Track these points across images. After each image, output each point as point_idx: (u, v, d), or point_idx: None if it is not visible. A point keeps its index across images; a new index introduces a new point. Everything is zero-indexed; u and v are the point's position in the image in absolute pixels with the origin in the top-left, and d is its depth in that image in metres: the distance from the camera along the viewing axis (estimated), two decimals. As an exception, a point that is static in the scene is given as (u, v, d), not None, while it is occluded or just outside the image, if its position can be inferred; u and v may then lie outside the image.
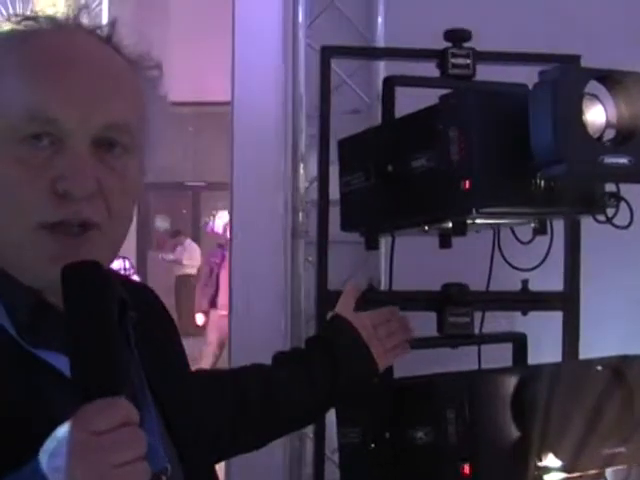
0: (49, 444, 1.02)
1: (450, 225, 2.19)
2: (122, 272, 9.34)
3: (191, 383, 1.52)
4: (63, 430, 1.02)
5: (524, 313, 2.44)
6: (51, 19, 1.29)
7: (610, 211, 2.09)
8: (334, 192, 2.44)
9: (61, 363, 1.17)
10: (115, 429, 1.01)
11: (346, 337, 1.92)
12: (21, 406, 1.14)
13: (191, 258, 14.92)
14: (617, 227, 2.07)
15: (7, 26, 1.28)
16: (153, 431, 1.25)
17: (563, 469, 2.01)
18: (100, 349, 1.06)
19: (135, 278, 9.50)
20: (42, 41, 1.25)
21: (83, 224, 1.21)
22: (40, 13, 1.28)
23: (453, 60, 2.36)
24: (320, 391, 1.87)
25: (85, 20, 1.29)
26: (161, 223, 16.58)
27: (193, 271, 15.06)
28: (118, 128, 1.24)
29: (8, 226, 1.21)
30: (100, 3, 12.11)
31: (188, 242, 15.14)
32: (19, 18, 1.28)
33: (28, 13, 1.28)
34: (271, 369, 1.88)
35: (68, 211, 1.20)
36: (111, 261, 1.28)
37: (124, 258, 10.02)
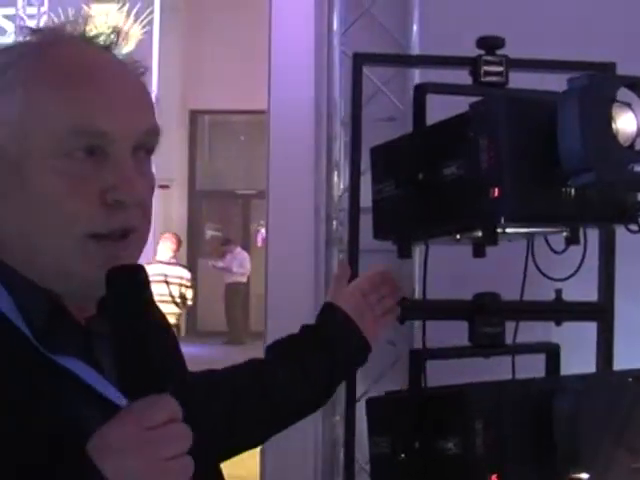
0: (97, 440, 1.04)
1: (481, 234, 2.17)
2: (180, 282, 9.37)
3: (189, 384, 1.52)
4: (112, 426, 1.04)
5: (558, 323, 2.41)
6: (60, 31, 1.29)
7: (643, 221, 2.06)
8: (368, 200, 2.43)
9: (77, 367, 1.19)
10: (165, 424, 1.05)
11: (335, 324, 1.91)
12: (41, 408, 1.14)
13: (241, 266, 14.98)
14: (649, 237, 2.04)
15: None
16: None
17: (591, 482, 1.98)
18: (146, 348, 1.09)
19: (190, 292, 9.53)
20: (62, 53, 1.25)
21: (128, 230, 1.23)
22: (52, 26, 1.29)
23: (486, 67, 2.35)
24: (315, 384, 1.87)
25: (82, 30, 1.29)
26: (212, 231, 16.69)
27: (243, 279, 15.12)
28: (154, 132, 1.27)
29: (50, 237, 1.21)
30: (152, 12, 12.25)
31: (238, 250, 15.20)
32: (25, 32, 1.29)
33: (33, 27, 1.28)
34: (266, 366, 1.87)
35: (118, 220, 1.21)
36: (137, 260, 1.29)
37: (183, 267, 10.02)
